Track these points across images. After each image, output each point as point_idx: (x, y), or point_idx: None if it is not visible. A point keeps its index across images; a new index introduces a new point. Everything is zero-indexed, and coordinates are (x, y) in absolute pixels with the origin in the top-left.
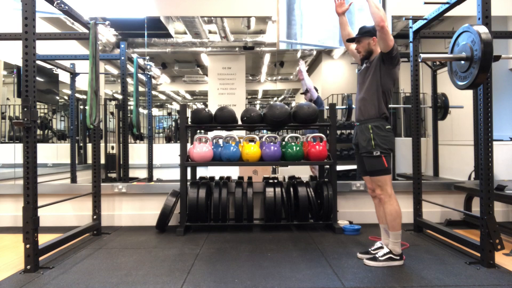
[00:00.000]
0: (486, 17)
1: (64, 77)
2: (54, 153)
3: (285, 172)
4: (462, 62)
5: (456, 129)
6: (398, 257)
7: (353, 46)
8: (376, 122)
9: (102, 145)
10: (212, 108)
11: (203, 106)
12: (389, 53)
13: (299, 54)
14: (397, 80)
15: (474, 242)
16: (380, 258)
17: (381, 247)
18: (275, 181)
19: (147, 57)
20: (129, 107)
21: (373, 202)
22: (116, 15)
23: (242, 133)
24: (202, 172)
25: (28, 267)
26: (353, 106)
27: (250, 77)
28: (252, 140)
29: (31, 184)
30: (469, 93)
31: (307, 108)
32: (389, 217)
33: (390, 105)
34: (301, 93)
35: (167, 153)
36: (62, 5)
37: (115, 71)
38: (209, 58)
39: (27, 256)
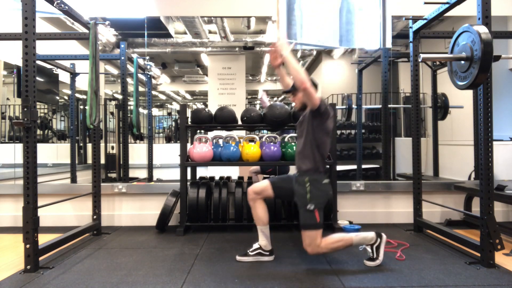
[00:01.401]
0: (486, 17)
1: (64, 77)
2: (54, 153)
3: None
4: (462, 62)
5: (456, 129)
6: (267, 253)
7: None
8: (313, 176)
9: (102, 145)
10: (212, 108)
11: (203, 106)
12: (317, 110)
13: (299, 54)
14: (333, 131)
15: (474, 242)
16: (250, 253)
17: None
18: None
19: (147, 57)
20: (129, 107)
21: (373, 202)
22: (116, 15)
23: (242, 133)
24: (202, 172)
25: (28, 267)
26: (353, 106)
27: (250, 77)
28: (252, 140)
29: (31, 184)
30: (469, 93)
31: None
32: (339, 249)
33: (390, 105)
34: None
35: (167, 153)
36: (62, 5)
37: (115, 71)
38: (209, 58)
39: (27, 256)
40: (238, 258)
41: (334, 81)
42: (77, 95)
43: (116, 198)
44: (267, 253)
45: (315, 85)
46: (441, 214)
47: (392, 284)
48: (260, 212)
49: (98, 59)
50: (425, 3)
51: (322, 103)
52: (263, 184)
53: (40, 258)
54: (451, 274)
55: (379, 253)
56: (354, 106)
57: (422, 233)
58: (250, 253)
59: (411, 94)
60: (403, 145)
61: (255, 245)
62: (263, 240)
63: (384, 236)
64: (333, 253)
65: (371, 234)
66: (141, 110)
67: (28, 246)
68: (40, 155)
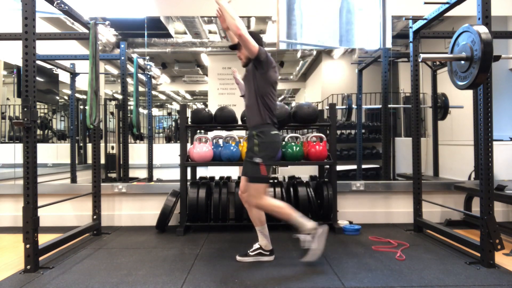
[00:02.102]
0: (486, 17)
1: (64, 77)
2: (54, 153)
3: (285, 172)
4: (462, 62)
5: (456, 129)
6: (267, 253)
7: None
8: (261, 128)
9: (102, 145)
10: (212, 108)
11: (203, 106)
12: (257, 59)
13: (299, 54)
14: (276, 82)
15: (474, 242)
16: (250, 253)
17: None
18: (275, 181)
19: (147, 57)
20: (129, 107)
21: (373, 202)
22: (116, 15)
23: (242, 133)
24: (202, 172)
25: (28, 267)
26: (353, 106)
27: None
28: None
29: (31, 184)
30: (469, 93)
31: (307, 108)
32: (278, 215)
33: (390, 105)
34: (240, 96)
35: (167, 153)
36: (62, 5)
37: (115, 71)
38: (209, 58)
39: (27, 256)
40: (238, 258)
41: (334, 81)
42: (77, 95)
43: (116, 198)
44: (268, 253)
45: (257, 38)
46: (441, 214)
47: (392, 284)
48: (255, 212)
49: (98, 59)
50: (425, 3)
51: (262, 51)
52: (241, 182)
53: (40, 258)
54: (451, 274)
55: (312, 243)
56: (354, 106)
57: (422, 233)
58: (250, 253)
59: (411, 94)
60: (403, 145)
61: (256, 245)
62: (263, 240)
63: (320, 230)
64: (331, 251)
65: (311, 223)
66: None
67: (28, 246)
68: (40, 155)
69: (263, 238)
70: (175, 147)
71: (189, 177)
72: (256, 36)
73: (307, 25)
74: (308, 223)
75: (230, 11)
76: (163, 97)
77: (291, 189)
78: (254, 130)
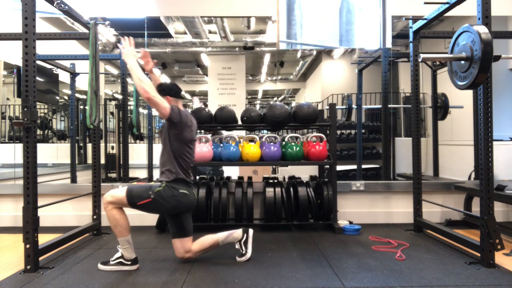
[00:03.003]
0: (486, 17)
1: (64, 77)
2: (54, 153)
3: (285, 172)
4: (462, 62)
5: (456, 129)
6: (129, 262)
7: None
8: (172, 183)
9: (102, 145)
10: (212, 108)
11: (203, 106)
12: (169, 121)
13: (299, 54)
14: (193, 140)
15: (474, 242)
16: (111, 262)
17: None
18: (275, 181)
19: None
20: (129, 107)
21: (372, 202)
22: (116, 15)
23: (242, 133)
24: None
25: (28, 267)
26: (353, 106)
27: (250, 77)
28: (252, 140)
29: (31, 184)
30: (469, 93)
31: (307, 108)
32: (111, 224)
33: (390, 105)
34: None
35: None
36: (62, 5)
37: (115, 71)
38: (209, 58)
39: (27, 256)
40: (99, 266)
41: (334, 81)
42: (77, 95)
43: None
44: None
45: (174, 91)
46: (441, 214)
47: (392, 284)
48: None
49: (98, 59)
50: (425, 3)
51: (174, 112)
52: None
53: (40, 258)
54: (451, 274)
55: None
56: (354, 106)
57: (422, 233)
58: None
59: (411, 94)
60: (403, 145)
61: (118, 254)
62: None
63: (250, 232)
64: (331, 251)
65: (238, 232)
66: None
67: (28, 246)
68: (40, 155)
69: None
70: None
71: None
72: (171, 89)
73: (307, 25)
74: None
75: (137, 72)
76: None
77: (291, 189)
78: (164, 183)
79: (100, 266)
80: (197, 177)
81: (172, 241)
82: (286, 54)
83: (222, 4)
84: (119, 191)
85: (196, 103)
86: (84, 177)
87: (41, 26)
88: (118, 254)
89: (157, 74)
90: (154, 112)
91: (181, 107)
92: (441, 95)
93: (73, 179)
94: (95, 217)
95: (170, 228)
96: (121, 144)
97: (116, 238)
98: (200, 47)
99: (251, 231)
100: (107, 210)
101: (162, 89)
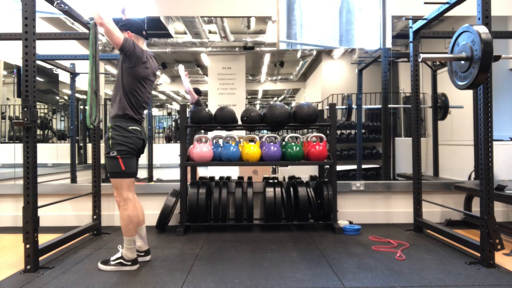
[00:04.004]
0: (486, 17)
1: (64, 77)
2: (54, 153)
3: (285, 172)
4: (462, 62)
5: (456, 129)
6: (129, 263)
7: None
8: (118, 122)
9: (102, 145)
10: (212, 108)
11: (203, 106)
12: (121, 51)
13: (299, 54)
14: (147, 78)
15: (474, 242)
16: (111, 262)
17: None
18: (275, 181)
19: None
20: None
21: (372, 202)
22: (116, 15)
23: (242, 133)
24: (202, 172)
25: (28, 267)
26: (353, 106)
27: (250, 77)
28: (252, 140)
29: (31, 184)
30: (469, 93)
31: (307, 108)
32: (122, 222)
33: (390, 105)
34: (185, 92)
35: (167, 153)
36: (62, 5)
37: (115, 71)
38: (209, 58)
39: (27, 256)
40: (100, 266)
41: (334, 81)
42: (77, 95)
43: None
44: (130, 263)
45: (135, 28)
46: (441, 214)
47: (392, 284)
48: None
49: (98, 59)
50: (425, 3)
51: (128, 43)
52: (114, 184)
53: (40, 258)
54: (451, 274)
55: (116, 266)
56: (354, 106)
57: (422, 233)
58: (111, 262)
59: (411, 94)
60: (403, 145)
61: (118, 254)
62: (138, 242)
63: (136, 266)
64: (331, 251)
65: (134, 256)
66: None
67: (28, 246)
68: (40, 155)
69: (139, 239)
70: (175, 147)
71: (189, 177)
72: (132, 24)
73: (307, 25)
74: (131, 254)
75: (98, 9)
76: (163, 97)
77: (291, 189)
78: (110, 123)
79: (100, 266)
80: (197, 177)
81: (111, 181)
82: (286, 54)
83: (222, 4)
84: (117, 186)
85: (182, 70)
86: (84, 177)
87: (41, 26)
88: (118, 254)
89: (157, 74)
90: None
91: (141, 45)
92: (441, 95)
93: (73, 179)
94: (95, 217)
95: (109, 167)
96: None
97: (123, 236)
98: (200, 47)
99: (136, 267)
100: (124, 209)
101: (124, 24)
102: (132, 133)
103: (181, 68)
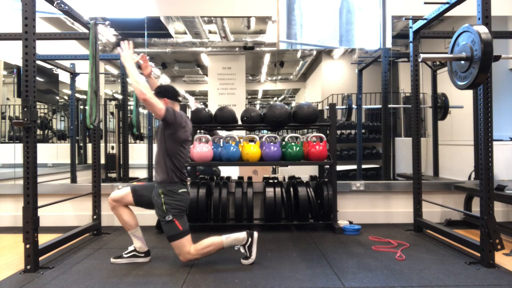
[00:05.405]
0: (486, 17)
1: (64, 77)
2: (54, 153)
3: (285, 172)
4: (462, 62)
5: (456, 129)
6: (142, 254)
7: None
8: (168, 186)
9: (102, 145)
10: (212, 108)
11: (203, 106)
12: (163, 121)
13: (299, 54)
14: (187, 140)
15: (474, 242)
16: (124, 255)
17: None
18: (275, 181)
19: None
20: (129, 107)
21: (372, 202)
22: (116, 15)
23: (242, 133)
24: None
25: (28, 267)
26: (353, 106)
27: (250, 77)
28: (252, 140)
29: (31, 184)
30: (469, 93)
31: (307, 108)
32: (210, 254)
33: (390, 105)
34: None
35: None
36: (62, 5)
37: (115, 71)
38: (209, 58)
39: (27, 256)
40: (112, 260)
41: (334, 81)
42: (77, 95)
43: None
44: (142, 255)
45: (171, 93)
46: (441, 214)
47: (392, 284)
48: (125, 218)
49: (98, 59)
50: (425, 3)
51: (169, 113)
52: (123, 192)
53: (40, 258)
54: (451, 274)
55: (252, 252)
56: (354, 106)
57: (422, 233)
58: (124, 255)
59: (411, 94)
60: (403, 145)
61: (130, 248)
62: (137, 243)
63: (255, 235)
64: (331, 251)
65: (242, 235)
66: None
67: (28, 246)
68: (40, 155)
69: (137, 240)
70: None
71: (189, 177)
72: (168, 91)
73: (307, 25)
74: (239, 236)
75: (134, 74)
76: None
77: (291, 189)
78: (161, 189)
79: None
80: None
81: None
82: (286, 54)
83: (222, 4)
84: (180, 247)
85: (192, 104)
86: (84, 177)
87: (41, 26)
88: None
89: (158, 74)
90: None
91: (177, 109)
92: (441, 95)
93: (73, 179)
94: (95, 217)
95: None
96: (121, 144)
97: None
98: (200, 47)
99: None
100: (198, 257)
101: (160, 91)
102: (182, 196)
103: (191, 102)
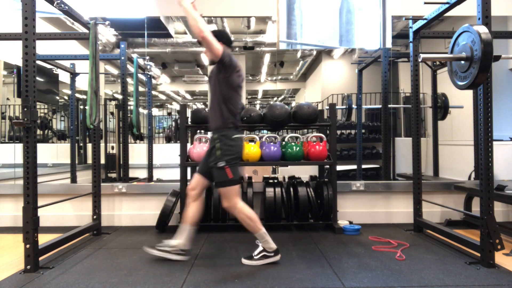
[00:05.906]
0: (486, 17)
1: (64, 77)
2: (54, 153)
3: (285, 172)
4: (462, 62)
5: (456, 129)
6: (272, 253)
7: None
8: (223, 132)
9: (102, 145)
10: None
11: (203, 106)
12: (220, 62)
13: (299, 54)
14: (240, 86)
15: (474, 242)
16: (255, 257)
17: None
18: (275, 181)
19: (147, 57)
20: (129, 107)
21: (373, 202)
22: (116, 15)
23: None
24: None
25: (28, 267)
26: (353, 106)
27: (250, 77)
28: (252, 140)
29: (31, 184)
30: (469, 93)
31: (307, 108)
32: (244, 223)
33: (390, 105)
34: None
35: (167, 153)
36: (62, 5)
37: (115, 71)
38: None
39: (27, 256)
40: (244, 261)
41: (334, 81)
42: (77, 95)
43: (116, 198)
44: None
45: (226, 38)
46: (441, 214)
47: (392, 284)
48: (194, 210)
49: (98, 59)
50: (425, 3)
51: (226, 54)
52: (193, 179)
53: (40, 258)
54: (451, 274)
55: (260, 260)
56: (354, 106)
57: (422, 233)
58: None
59: (411, 94)
60: (403, 145)
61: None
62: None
63: (278, 257)
64: (331, 251)
65: (274, 246)
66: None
67: (28, 246)
68: (40, 155)
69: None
70: (175, 147)
71: (189, 177)
72: (223, 36)
73: (307, 25)
74: (271, 244)
75: (192, 12)
76: (163, 97)
77: (291, 189)
78: (216, 134)
79: (244, 261)
80: None
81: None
82: (286, 54)
83: (222, 4)
84: (226, 195)
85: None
86: (84, 177)
87: (41, 26)
88: (259, 249)
89: (158, 74)
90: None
91: None
92: (441, 95)
93: (73, 179)
94: (95, 217)
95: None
96: (121, 144)
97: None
98: (200, 47)
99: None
100: (239, 213)
101: (216, 35)
102: (236, 142)
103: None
